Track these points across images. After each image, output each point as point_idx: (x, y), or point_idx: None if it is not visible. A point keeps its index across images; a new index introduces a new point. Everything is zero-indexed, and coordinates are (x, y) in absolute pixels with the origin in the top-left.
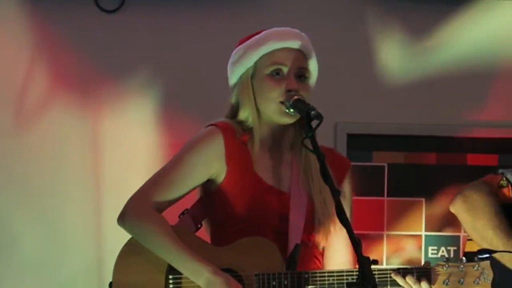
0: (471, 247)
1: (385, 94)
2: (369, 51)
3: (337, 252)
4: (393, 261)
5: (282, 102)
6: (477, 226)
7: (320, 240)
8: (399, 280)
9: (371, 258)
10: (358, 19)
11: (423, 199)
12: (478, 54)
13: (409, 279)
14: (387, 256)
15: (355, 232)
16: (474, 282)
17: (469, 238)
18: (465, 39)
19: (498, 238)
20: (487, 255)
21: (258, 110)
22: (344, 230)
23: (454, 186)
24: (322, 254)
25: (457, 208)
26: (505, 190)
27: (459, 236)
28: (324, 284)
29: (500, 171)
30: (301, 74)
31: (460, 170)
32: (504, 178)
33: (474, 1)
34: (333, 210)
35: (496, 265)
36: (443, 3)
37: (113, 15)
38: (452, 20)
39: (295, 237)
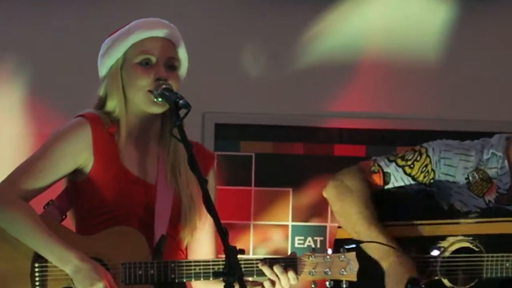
0: (342, 235)
1: (252, 85)
2: (237, 41)
3: (200, 244)
4: (260, 250)
5: (150, 91)
6: (344, 211)
7: (186, 235)
8: (266, 270)
9: (238, 247)
10: (228, 11)
11: (290, 189)
12: (344, 47)
13: (276, 268)
14: (254, 246)
15: (222, 221)
16: (339, 272)
17: (339, 225)
18: (334, 32)
19: (360, 223)
20: (354, 246)
21: (126, 100)
22: (208, 223)
23: (321, 177)
24: (186, 250)
25: (328, 193)
26: (376, 176)
27: (325, 226)
28: (190, 273)
29: (374, 158)
30: (171, 64)
31: (327, 160)
32: (376, 164)
33: None
34: (199, 205)
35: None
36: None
37: None
38: (321, 15)
39: (160, 228)
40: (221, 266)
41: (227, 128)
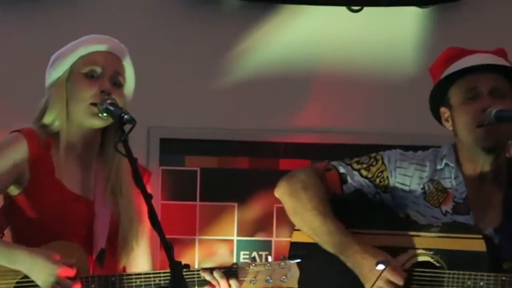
0: (298, 238)
1: (198, 99)
2: (182, 55)
3: (136, 261)
4: (205, 265)
5: (93, 104)
6: (298, 208)
7: (122, 256)
8: (206, 275)
9: (183, 262)
10: (170, 24)
11: (236, 204)
12: (292, 59)
13: (215, 273)
14: (199, 260)
15: (167, 236)
16: (281, 279)
17: (296, 228)
18: (277, 43)
19: (316, 219)
20: (299, 260)
21: (68, 112)
22: (144, 240)
23: (267, 191)
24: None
25: (281, 191)
26: (330, 174)
27: (271, 241)
28: (132, 286)
29: (327, 161)
30: (116, 81)
31: (272, 175)
32: (331, 165)
33: (281, 7)
34: (138, 226)
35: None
36: (257, 9)
37: None
38: (265, 24)
39: (100, 244)
40: (162, 279)
41: (172, 143)
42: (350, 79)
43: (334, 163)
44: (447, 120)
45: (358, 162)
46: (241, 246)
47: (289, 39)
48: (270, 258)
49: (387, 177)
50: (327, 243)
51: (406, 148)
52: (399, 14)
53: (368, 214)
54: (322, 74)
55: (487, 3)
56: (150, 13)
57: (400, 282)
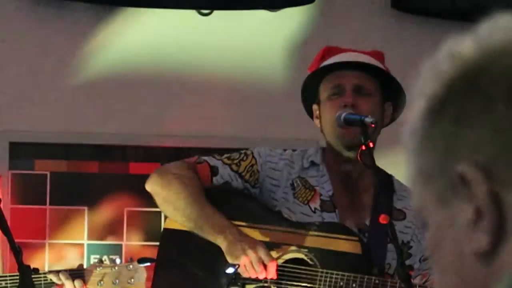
0: (171, 225)
1: (47, 102)
2: (30, 57)
3: None
4: (55, 269)
5: None
6: (171, 197)
7: None
8: (52, 276)
9: (32, 266)
10: (17, 25)
11: (86, 208)
12: (141, 62)
13: (61, 275)
14: (49, 264)
15: (16, 240)
16: (128, 282)
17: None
18: (125, 45)
19: (192, 205)
20: (149, 264)
21: None
22: None
23: (117, 195)
24: None
25: (152, 184)
26: (201, 166)
27: (121, 245)
28: None
29: (197, 156)
30: None
31: (122, 178)
32: (202, 159)
33: (129, 10)
34: None
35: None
36: (104, 11)
37: None
38: (112, 27)
39: None
40: (8, 282)
41: (21, 147)
42: (201, 82)
43: (205, 157)
44: (317, 117)
45: (229, 158)
46: (92, 250)
47: (137, 41)
48: (118, 260)
49: (258, 171)
50: (204, 226)
51: None
52: (250, 17)
53: (241, 207)
54: (171, 77)
55: (339, 4)
56: (0, 14)
57: (267, 262)
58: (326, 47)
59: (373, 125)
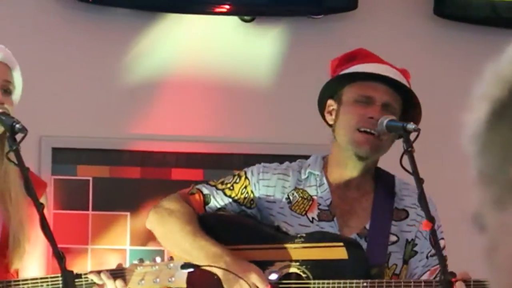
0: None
1: (89, 108)
2: (73, 64)
3: (29, 268)
4: None
5: None
6: (167, 233)
7: (14, 259)
8: (93, 276)
9: (75, 272)
10: (58, 32)
11: (128, 213)
12: (181, 66)
13: (103, 274)
14: (91, 270)
15: (58, 246)
16: (168, 280)
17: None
18: (161, 50)
19: (185, 239)
20: (192, 269)
21: None
22: (38, 249)
23: (158, 200)
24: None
25: (151, 222)
26: (193, 197)
27: (163, 250)
28: None
29: (193, 185)
30: (6, 88)
31: (164, 184)
32: (195, 188)
33: (161, 16)
34: (29, 229)
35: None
36: (142, 17)
37: None
38: (150, 33)
39: None
40: (50, 284)
41: (64, 152)
42: (242, 88)
43: (199, 186)
44: (330, 113)
45: (222, 183)
46: (134, 255)
47: (179, 47)
48: (158, 259)
49: (252, 191)
50: (199, 257)
51: (295, 157)
52: (290, 24)
53: (235, 230)
54: (211, 82)
55: (381, 10)
56: (42, 21)
57: None
58: (360, 49)
59: (415, 132)
